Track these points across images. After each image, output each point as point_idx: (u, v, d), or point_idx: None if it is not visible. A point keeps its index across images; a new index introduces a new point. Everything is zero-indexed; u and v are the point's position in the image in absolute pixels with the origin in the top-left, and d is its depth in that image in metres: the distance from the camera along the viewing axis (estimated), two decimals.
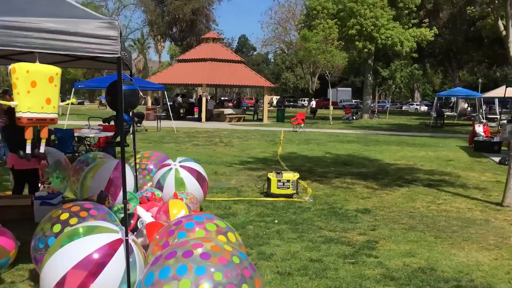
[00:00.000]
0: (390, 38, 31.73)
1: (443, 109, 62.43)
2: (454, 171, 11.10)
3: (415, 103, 71.20)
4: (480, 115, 31.03)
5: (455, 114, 44.53)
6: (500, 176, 10.38)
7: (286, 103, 68.80)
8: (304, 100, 66.44)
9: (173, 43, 69.60)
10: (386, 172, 10.87)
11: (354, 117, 33.49)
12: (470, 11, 36.84)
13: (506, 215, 6.93)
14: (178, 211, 5.35)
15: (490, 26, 32.74)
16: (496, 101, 32.57)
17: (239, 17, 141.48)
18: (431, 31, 34.10)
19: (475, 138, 15.21)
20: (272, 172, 8.08)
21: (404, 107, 70.43)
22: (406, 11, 33.84)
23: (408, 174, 10.62)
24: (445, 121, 30.76)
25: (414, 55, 34.81)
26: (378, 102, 61.20)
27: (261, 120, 32.35)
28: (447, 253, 5.25)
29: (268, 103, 70.02)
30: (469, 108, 50.39)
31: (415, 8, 34.00)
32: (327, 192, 8.48)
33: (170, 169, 6.50)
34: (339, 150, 15.14)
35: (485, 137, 15.45)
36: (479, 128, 15.98)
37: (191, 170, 6.57)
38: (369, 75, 36.82)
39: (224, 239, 3.72)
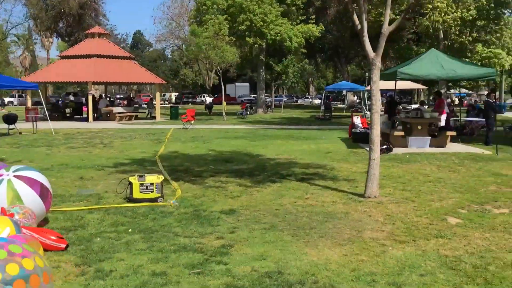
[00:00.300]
0: (279, 34, 32.32)
1: (335, 102, 65.37)
2: (329, 163, 11.32)
3: (310, 97, 73.91)
4: (364, 107, 32.89)
5: (345, 106, 46.82)
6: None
7: (185, 100, 67.87)
8: (204, 96, 65.94)
9: (60, 39, 65.16)
10: (264, 167, 10.77)
11: (248, 112, 33.68)
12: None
13: (366, 207, 7.04)
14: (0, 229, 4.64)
15: (370, 22, 34.73)
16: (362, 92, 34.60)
17: (133, 12, 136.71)
18: (318, 28, 35.34)
19: (353, 130, 15.82)
20: (134, 175, 7.50)
21: (300, 101, 72.90)
22: (294, 8, 34.71)
23: (285, 168, 10.61)
24: (335, 114, 32.18)
25: (303, 50, 35.84)
26: (276, 97, 62.59)
27: (155, 118, 31.30)
28: (299, 252, 5.10)
29: (167, 100, 68.63)
30: (357, 100, 53.37)
31: (302, 5, 35.00)
32: (197, 193, 8.09)
33: (1, 180, 5.66)
34: (224, 146, 14.88)
35: (362, 128, 16.12)
36: (357, 120, 16.65)
37: (28, 180, 5.78)
38: (261, 71, 37.29)
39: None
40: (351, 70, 69.09)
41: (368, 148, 13.35)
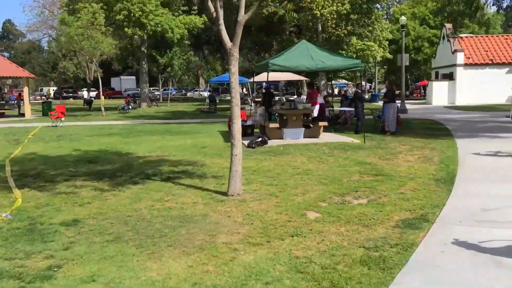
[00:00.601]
0: (159, 25, 31.11)
1: (225, 94, 65.31)
2: (202, 159, 10.83)
3: (198, 90, 73.17)
4: (250, 99, 33.04)
5: None
6: (243, 161, 10.45)
7: (65, 95, 63.21)
8: (83, 91, 61.95)
9: None
10: (130, 167, 9.95)
11: (130, 107, 32.08)
12: (235, 0, 38.64)
13: (227, 206, 6.64)
14: None
15: (256, 15, 34.97)
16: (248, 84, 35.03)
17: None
18: (201, 19, 34.68)
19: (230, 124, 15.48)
20: None
21: (189, 94, 71.86)
22: None
23: (153, 167, 9.89)
24: (222, 106, 31.83)
25: (187, 42, 35.01)
26: (164, 90, 60.92)
27: (23, 115, 28.44)
28: (139, 268, 4.49)
29: (45, 95, 63.25)
30: (245, 92, 53.82)
31: None
32: (41, 202, 7.08)
33: None
34: (92, 145, 13.69)
35: (241, 120, 15.85)
36: None
37: None
38: (144, 63, 35.75)
39: None
40: (240, 62, 69.69)
41: (244, 142, 13.22)
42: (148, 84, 38.22)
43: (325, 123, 14.16)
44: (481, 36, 36.02)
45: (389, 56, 39.67)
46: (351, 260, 4.59)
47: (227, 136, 15.30)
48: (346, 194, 7.31)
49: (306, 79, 38.11)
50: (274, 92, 56.14)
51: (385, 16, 57.21)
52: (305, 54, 12.87)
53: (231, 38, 7.21)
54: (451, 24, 34.26)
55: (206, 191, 7.57)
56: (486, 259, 4.55)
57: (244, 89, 57.49)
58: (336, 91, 60.14)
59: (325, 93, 31.25)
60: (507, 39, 34.37)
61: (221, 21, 7.16)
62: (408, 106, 30.40)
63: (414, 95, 51.98)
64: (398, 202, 6.72)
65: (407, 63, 26.75)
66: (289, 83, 60.27)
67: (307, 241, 5.18)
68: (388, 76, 72.44)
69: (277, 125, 13.57)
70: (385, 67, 60.72)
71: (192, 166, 9.98)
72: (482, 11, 17.72)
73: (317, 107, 14.90)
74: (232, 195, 7.11)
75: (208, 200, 7.00)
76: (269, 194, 7.30)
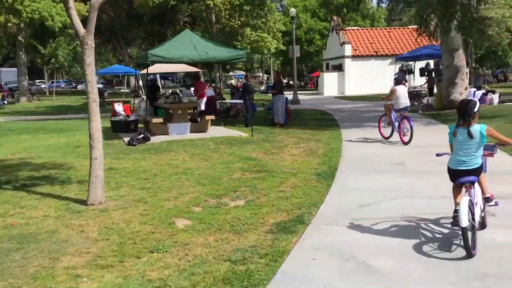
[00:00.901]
0: (37, 12, 28.37)
1: (120, 86, 62.09)
2: (71, 161, 9.67)
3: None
4: (140, 91, 31.53)
5: (129, 91, 44.67)
6: (118, 161, 9.53)
7: None
8: None
9: None
10: None
11: (6, 102, 28.98)
12: None
13: (84, 218, 5.75)
14: None
15: (144, 3, 33.34)
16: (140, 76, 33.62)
17: None
18: (86, 6, 32.25)
19: (112, 118, 14.34)
20: None
21: (79, 87, 67.40)
22: None
23: (9, 172, 8.58)
24: (112, 99, 29.93)
25: (69, 31, 32.45)
26: (52, 82, 56.44)
27: None
28: None
29: None
30: (140, 85, 51.58)
31: None
32: None
33: None
34: None
35: (125, 116, 14.78)
36: (119, 107, 15.22)
37: None
38: (21, 53, 32.53)
39: None
40: (134, 53, 66.69)
41: (125, 139, 12.21)
42: (27, 77, 34.90)
43: (213, 117, 13.59)
44: (367, 29, 37.90)
45: (283, 47, 40.29)
46: (213, 278, 4.01)
47: (109, 132, 14.14)
48: (224, 195, 6.77)
49: (199, 70, 37.33)
50: (171, 84, 54.74)
51: (280, 9, 58.29)
52: (188, 45, 12.13)
53: (86, 25, 6.26)
54: (338, 17, 35.54)
55: (64, 201, 6.57)
56: (356, 265, 4.23)
57: (141, 82, 55.21)
58: (233, 82, 60.07)
59: (220, 84, 30.69)
60: (389, 32, 36.50)
61: (71, 5, 6.18)
62: (301, 97, 31.01)
63: (309, 86, 53.66)
64: (276, 202, 6.31)
65: (298, 55, 27.14)
66: (189, 74, 59.04)
67: (168, 257, 4.51)
68: (284, 68, 74.16)
69: (160, 120, 12.73)
70: (280, 58, 61.96)
71: (57, 169, 8.82)
72: (364, 4, 18.23)
73: (204, 100, 14.28)
74: (93, 204, 6.21)
75: (63, 212, 6.03)
76: (137, 201, 6.51)
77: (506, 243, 4.64)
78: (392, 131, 11.08)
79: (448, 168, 4.69)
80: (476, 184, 4.63)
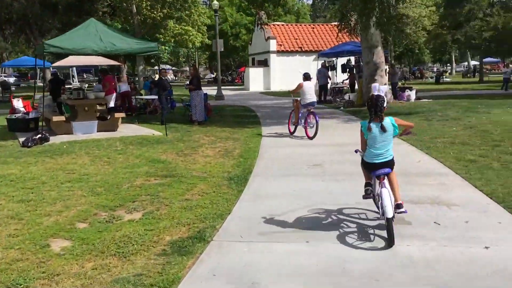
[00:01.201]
0: None
1: (34, 80, 58.11)
2: None
3: (2, 75, 64.10)
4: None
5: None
6: (4, 167, 8.29)
7: None
8: None
9: None
10: None
11: None
12: None
13: None
14: None
15: None
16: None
17: None
18: None
19: (9, 116, 12.80)
20: None
21: None
22: None
23: None
24: (21, 93, 27.53)
25: None
26: None
27: None
28: None
29: None
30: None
31: None
32: None
33: None
34: None
35: (25, 112, 13.27)
36: (18, 103, 13.66)
37: None
38: None
39: None
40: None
41: (21, 139, 10.84)
42: None
43: (123, 114, 12.51)
44: (292, 25, 37.94)
45: (208, 42, 39.34)
46: None
47: (4, 131, 12.65)
48: (119, 206, 5.90)
49: (121, 64, 35.49)
50: (91, 78, 51.81)
51: (206, 1, 57.16)
52: (93, 35, 10.96)
53: None
54: (263, 12, 35.24)
55: None
56: None
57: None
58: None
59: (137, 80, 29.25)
60: (313, 28, 36.77)
61: None
62: (226, 92, 30.37)
63: (236, 81, 53.08)
64: (178, 214, 5.56)
65: (222, 49, 26.41)
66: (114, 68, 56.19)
67: None
68: (211, 62, 73.08)
69: (62, 118, 11.48)
70: (207, 52, 60.85)
71: None
72: None
73: (113, 96, 13.13)
74: None
75: None
76: (11, 217, 5.48)
77: (422, 258, 4.21)
78: (296, 126, 11.30)
79: (365, 162, 4.86)
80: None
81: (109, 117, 12.23)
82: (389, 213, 4.35)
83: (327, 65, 22.57)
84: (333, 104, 19.78)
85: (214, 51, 47.76)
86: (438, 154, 8.60)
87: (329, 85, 22.35)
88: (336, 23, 20.39)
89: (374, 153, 4.72)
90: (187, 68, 74.74)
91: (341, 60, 23.50)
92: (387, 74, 19.39)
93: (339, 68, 23.22)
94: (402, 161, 8.15)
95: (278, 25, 36.84)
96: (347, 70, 22.09)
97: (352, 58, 22.44)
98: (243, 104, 21.89)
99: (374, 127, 4.68)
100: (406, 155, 8.66)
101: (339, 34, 18.23)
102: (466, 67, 60.24)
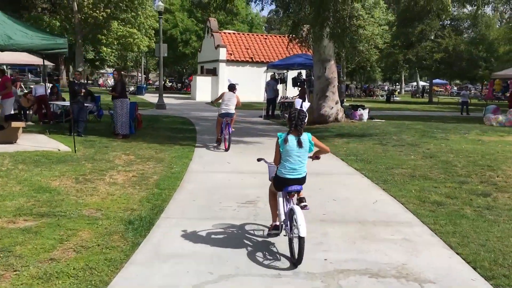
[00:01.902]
0: None
1: None
2: None
3: None
4: None
5: None
6: None
7: None
8: None
9: None
10: None
11: None
12: None
13: None
14: None
15: None
16: None
17: None
18: None
19: None
20: None
21: None
22: None
23: None
24: None
25: None
26: None
27: None
28: None
29: None
30: None
31: None
32: None
33: None
34: None
35: None
36: None
37: None
38: None
39: None
40: None
41: None
42: None
43: (22, 124, 10.28)
44: (243, 34, 36.40)
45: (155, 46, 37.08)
46: None
47: None
48: None
49: (51, 64, 32.56)
50: (36, 79, 48.10)
51: (155, 3, 54.81)
52: None
53: None
54: (214, 18, 33.53)
55: None
56: None
57: None
58: (101, 81, 55.22)
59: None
60: (266, 38, 35.41)
61: None
62: (170, 101, 28.35)
63: (187, 89, 50.87)
64: None
65: (166, 54, 24.41)
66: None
67: None
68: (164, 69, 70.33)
69: None
70: (156, 58, 58.30)
71: None
72: (232, 4, 16.18)
73: (11, 100, 10.89)
74: None
75: None
76: None
77: None
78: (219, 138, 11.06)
79: (278, 177, 4.62)
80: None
81: (6, 126, 9.99)
82: (303, 231, 4.10)
83: (276, 77, 21.08)
84: (281, 120, 18.24)
85: (164, 57, 45.52)
86: (397, 192, 7.10)
87: (278, 99, 20.86)
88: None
89: (288, 167, 4.55)
90: (135, 73, 71.69)
91: (292, 73, 22.05)
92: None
93: (289, 82, 21.71)
94: (355, 200, 6.58)
95: (229, 33, 35.22)
96: (298, 84, 20.63)
97: (304, 72, 21.04)
98: (184, 115, 19.99)
99: (292, 140, 4.53)
100: (360, 191, 7.10)
101: (290, 44, 16.75)
102: (415, 87, 61.08)
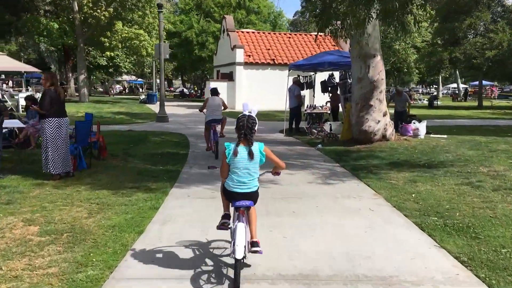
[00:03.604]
0: None
1: None
2: None
3: None
4: None
5: None
6: None
7: None
8: None
9: None
10: None
11: None
12: None
13: None
14: None
15: None
16: None
17: None
18: None
19: None
20: None
21: None
22: None
23: None
24: None
25: None
26: None
27: None
28: None
29: None
30: None
31: None
32: None
33: None
34: None
35: None
36: None
37: None
38: None
39: None
40: None
41: None
42: None
43: None
44: (264, 32, 32.07)
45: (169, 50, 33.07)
46: None
47: None
48: None
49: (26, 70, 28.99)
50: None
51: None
52: None
53: None
54: (231, 16, 29.40)
55: None
56: None
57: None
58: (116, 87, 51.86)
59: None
60: (290, 37, 31.06)
61: None
62: (179, 111, 24.38)
63: (203, 96, 46.94)
64: None
65: (167, 56, 20.40)
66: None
67: None
68: (178, 73, 66.87)
69: None
70: (174, 64, 54.66)
71: None
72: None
73: None
74: None
75: None
76: None
77: None
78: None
79: (225, 190, 4.17)
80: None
81: None
82: (239, 254, 3.69)
83: (301, 81, 16.69)
84: (308, 138, 13.86)
85: (180, 62, 41.51)
86: None
87: (303, 109, 16.51)
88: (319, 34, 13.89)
89: (236, 180, 4.05)
90: (153, 81, 68.32)
91: (321, 76, 17.48)
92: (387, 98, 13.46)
93: (317, 86, 17.15)
94: None
95: (247, 32, 31.00)
96: (329, 89, 16.11)
97: (337, 74, 16.49)
98: (185, 131, 15.83)
99: (242, 151, 4.02)
100: None
101: (320, 36, 12.36)
102: (453, 90, 55.67)
